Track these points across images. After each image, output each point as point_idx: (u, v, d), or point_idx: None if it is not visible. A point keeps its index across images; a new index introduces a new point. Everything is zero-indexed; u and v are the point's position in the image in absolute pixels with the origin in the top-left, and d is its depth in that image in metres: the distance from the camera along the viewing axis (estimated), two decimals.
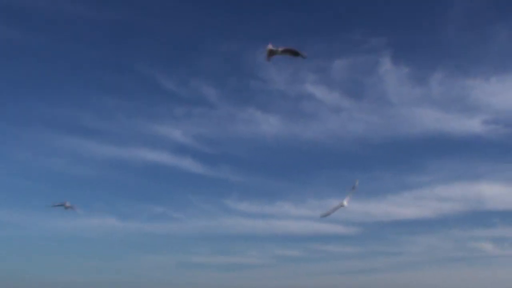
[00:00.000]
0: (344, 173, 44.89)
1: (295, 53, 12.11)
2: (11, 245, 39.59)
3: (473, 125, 41.55)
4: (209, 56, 42.18)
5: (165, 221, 42.35)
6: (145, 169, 41.83)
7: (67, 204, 13.94)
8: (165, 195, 43.52)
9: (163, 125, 41.38)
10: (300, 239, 43.31)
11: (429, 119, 42.17)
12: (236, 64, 42.99)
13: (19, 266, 37.72)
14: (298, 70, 41.71)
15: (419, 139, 43.44)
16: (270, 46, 11.94)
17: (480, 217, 41.66)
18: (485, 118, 41.70)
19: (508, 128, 41.86)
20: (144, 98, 41.49)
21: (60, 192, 39.66)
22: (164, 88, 41.45)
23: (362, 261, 42.24)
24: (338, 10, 42.94)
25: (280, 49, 12.05)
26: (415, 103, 43.13)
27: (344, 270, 42.07)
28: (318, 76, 43.41)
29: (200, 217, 42.05)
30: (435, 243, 42.72)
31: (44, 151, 40.19)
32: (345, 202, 12.82)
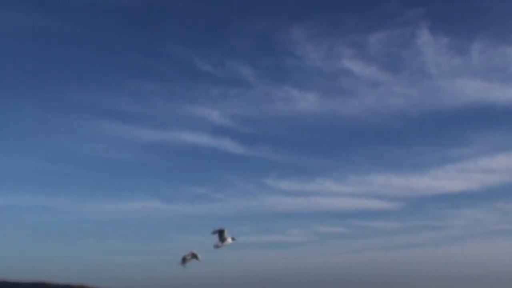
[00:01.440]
0: (384, 148, 44.33)
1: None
2: (54, 230, 40.87)
3: None
4: (244, 35, 41.96)
5: (207, 202, 42.86)
6: (185, 151, 42.29)
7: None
8: (206, 176, 43.98)
9: (201, 107, 41.61)
10: (342, 216, 43.16)
11: (471, 89, 40.96)
12: (271, 42, 42.62)
13: (62, 250, 38.96)
14: (334, 45, 41.04)
15: (461, 111, 42.32)
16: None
17: None
18: None
19: None
20: (181, 81, 41.71)
21: (102, 176, 40.56)
22: (200, 69, 41.50)
23: (406, 236, 41.82)
24: None
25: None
26: (455, 73, 41.91)
27: (387, 245, 41.80)
28: (355, 51, 42.58)
29: (241, 197, 42.37)
30: (480, 216, 41.88)
31: (85, 136, 41.04)
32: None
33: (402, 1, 40.23)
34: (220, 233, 12.34)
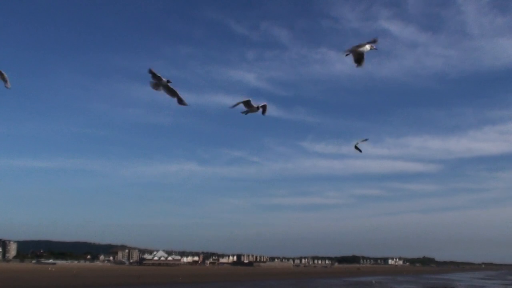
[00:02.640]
0: (422, 110, 43.77)
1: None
2: (94, 193, 42.17)
3: None
4: None
5: (243, 165, 43.47)
6: (221, 115, 42.86)
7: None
8: (242, 139, 44.55)
9: (237, 70, 41.78)
10: (379, 178, 43.24)
11: None
12: (307, 4, 42.17)
13: (102, 212, 40.33)
14: (371, 5, 40.21)
15: (503, 71, 41.14)
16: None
17: None
18: None
19: None
20: (216, 45, 41.93)
21: (139, 140, 41.54)
22: (234, 33, 41.48)
23: (444, 198, 41.69)
24: None
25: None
26: (498, 33, 40.53)
27: (425, 208, 41.81)
28: (393, 11, 41.71)
29: (277, 160, 42.79)
30: None
31: (122, 101, 42.03)
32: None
33: None
34: (246, 104, 12.72)
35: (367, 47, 11.55)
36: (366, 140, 16.15)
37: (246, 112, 13.08)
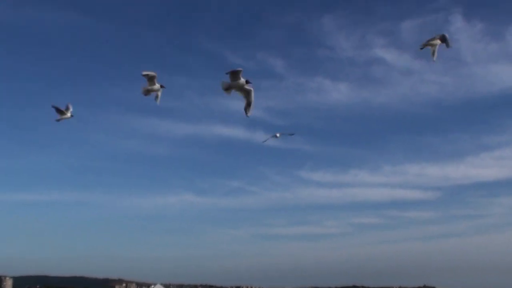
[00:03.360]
0: (419, 137, 44.02)
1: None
2: (92, 225, 41.97)
3: None
4: (274, 28, 42.44)
5: (241, 194, 43.43)
6: (218, 145, 43.03)
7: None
8: (240, 169, 44.62)
9: (234, 100, 42.26)
10: (377, 206, 43.12)
11: (507, 75, 40.21)
12: (302, 33, 42.98)
13: (100, 245, 40.10)
14: (365, 35, 41.01)
15: (497, 97, 41.59)
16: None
17: None
18: None
19: None
20: (212, 74, 42.59)
21: (138, 171, 41.64)
22: (231, 63, 42.15)
23: (443, 226, 41.53)
24: None
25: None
26: (491, 59, 41.17)
27: (424, 235, 41.63)
28: (387, 39, 42.48)
29: (275, 189, 42.80)
30: None
31: (121, 132, 42.33)
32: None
33: None
34: (234, 74, 11.99)
35: (438, 41, 13.00)
36: (292, 134, 15.89)
37: (228, 90, 12.40)
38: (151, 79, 11.98)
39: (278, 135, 14.66)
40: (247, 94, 11.62)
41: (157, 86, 11.99)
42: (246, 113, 11.74)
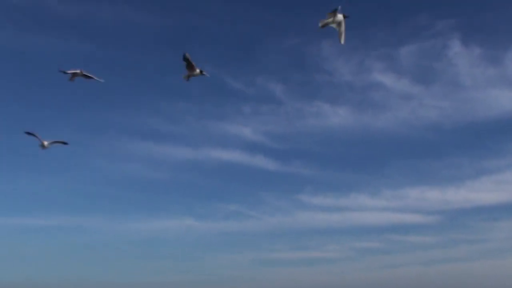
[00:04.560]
0: (419, 161, 43.60)
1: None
2: (90, 251, 41.58)
3: None
4: (272, 52, 42.35)
5: (241, 219, 42.97)
6: (217, 169, 42.58)
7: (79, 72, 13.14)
8: (239, 193, 44.13)
9: (233, 124, 41.93)
10: (378, 231, 42.57)
11: (506, 100, 40.08)
12: (301, 58, 42.82)
13: (98, 271, 39.56)
14: (364, 59, 40.93)
15: (496, 122, 41.37)
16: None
17: None
18: None
19: None
20: (212, 99, 42.34)
21: (136, 196, 41.22)
22: (230, 87, 42.00)
23: (444, 250, 40.93)
24: None
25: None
26: (490, 84, 41.12)
27: (426, 260, 40.95)
28: (385, 64, 42.29)
29: (275, 214, 42.29)
30: None
31: (119, 157, 41.94)
32: None
33: (432, 13, 39.90)
34: (188, 62, 12.48)
35: (341, 16, 12.54)
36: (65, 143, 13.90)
37: (188, 77, 12.92)
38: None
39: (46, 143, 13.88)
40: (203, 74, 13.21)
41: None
42: (205, 74, 13.35)
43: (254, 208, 43.50)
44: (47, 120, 43.21)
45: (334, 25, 12.26)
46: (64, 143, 13.77)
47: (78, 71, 12.59)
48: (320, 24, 12.37)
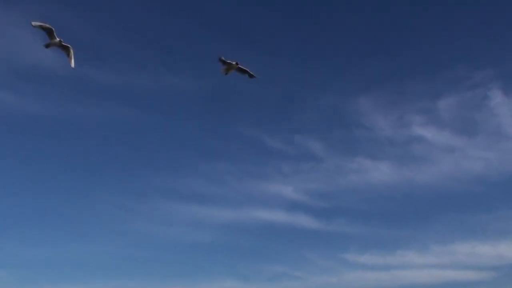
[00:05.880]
0: (467, 215, 42.26)
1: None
2: None
3: None
4: (310, 110, 42.85)
5: (286, 280, 42.20)
6: (260, 229, 42.38)
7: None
8: (283, 253, 43.57)
9: (273, 183, 42.02)
10: None
11: None
12: (339, 115, 43.10)
13: None
14: (403, 114, 40.90)
15: None
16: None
17: None
18: None
19: None
20: (252, 159, 42.79)
21: (180, 259, 41.25)
22: (270, 147, 42.44)
23: None
24: (437, 49, 42.16)
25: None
26: None
27: None
28: (425, 117, 42.06)
29: (321, 274, 41.39)
30: None
31: (162, 220, 42.36)
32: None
33: (470, 64, 39.78)
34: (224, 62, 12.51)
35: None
36: None
37: (226, 71, 12.95)
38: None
39: None
40: (243, 71, 13.22)
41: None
42: (254, 76, 13.17)
43: (299, 268, 42.72)
44: (90, 185, 44.41)
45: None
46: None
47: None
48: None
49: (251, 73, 12.97)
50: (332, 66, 45.92)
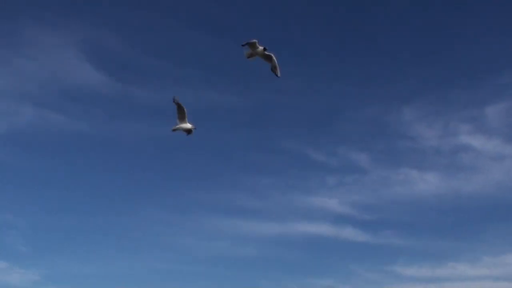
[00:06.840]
0: None
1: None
2: None
3: None
4: (353, 122, 42.41)
5: None
6: (306, 242, 42.05)
7: None
8: (329, 267, 43.08)
9: (318, 197, 41.73)
10: None
11: None
12: (382, 126, 42.50)
13: None
14: (448, 122, 39.99)
15: None
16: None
17: None
18: None
19: None
20: (295, 173, 42.60)
21: (225, 273, 41.37)
22: (313, 160, 42.20)
23: None
24: (481, 55, 41.15)
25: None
26: None
27: None
28: (473, 125, 40.99)
29: (368, 287, 40.71)
30: None
31: (206, 235, 42.65)
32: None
33: None
34: (251, 45, 11.85)
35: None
36: None
37: (250, 55, 12.36)
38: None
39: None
40: (269, 59, 12.39)
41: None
42: (276, 74, 12.40)
43: (346, 282, 42.13)
44: (135, 201, 45.25)
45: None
46: None
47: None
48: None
49: (275, 64, 12.16)
50: (374, 76, 45.44)
